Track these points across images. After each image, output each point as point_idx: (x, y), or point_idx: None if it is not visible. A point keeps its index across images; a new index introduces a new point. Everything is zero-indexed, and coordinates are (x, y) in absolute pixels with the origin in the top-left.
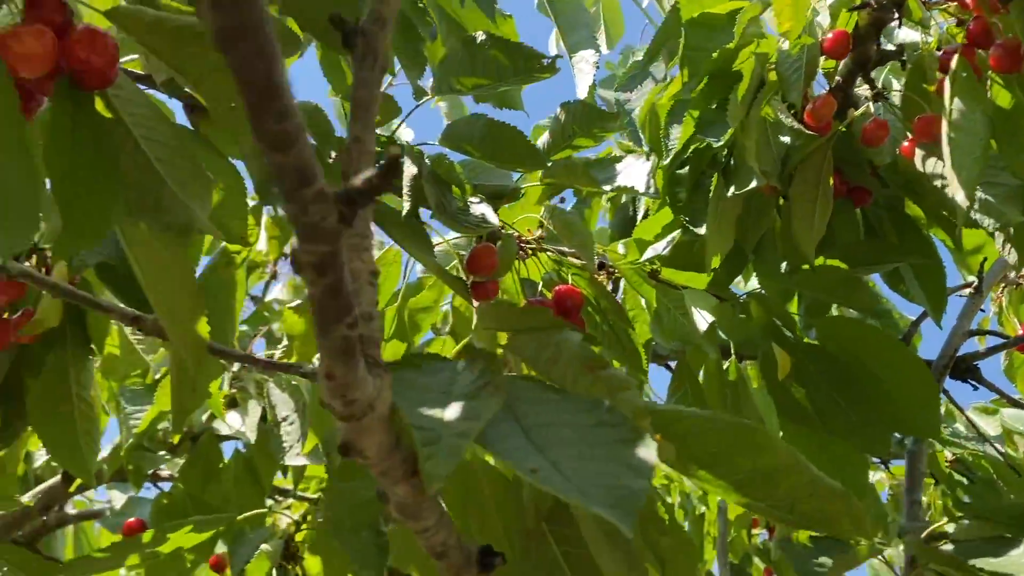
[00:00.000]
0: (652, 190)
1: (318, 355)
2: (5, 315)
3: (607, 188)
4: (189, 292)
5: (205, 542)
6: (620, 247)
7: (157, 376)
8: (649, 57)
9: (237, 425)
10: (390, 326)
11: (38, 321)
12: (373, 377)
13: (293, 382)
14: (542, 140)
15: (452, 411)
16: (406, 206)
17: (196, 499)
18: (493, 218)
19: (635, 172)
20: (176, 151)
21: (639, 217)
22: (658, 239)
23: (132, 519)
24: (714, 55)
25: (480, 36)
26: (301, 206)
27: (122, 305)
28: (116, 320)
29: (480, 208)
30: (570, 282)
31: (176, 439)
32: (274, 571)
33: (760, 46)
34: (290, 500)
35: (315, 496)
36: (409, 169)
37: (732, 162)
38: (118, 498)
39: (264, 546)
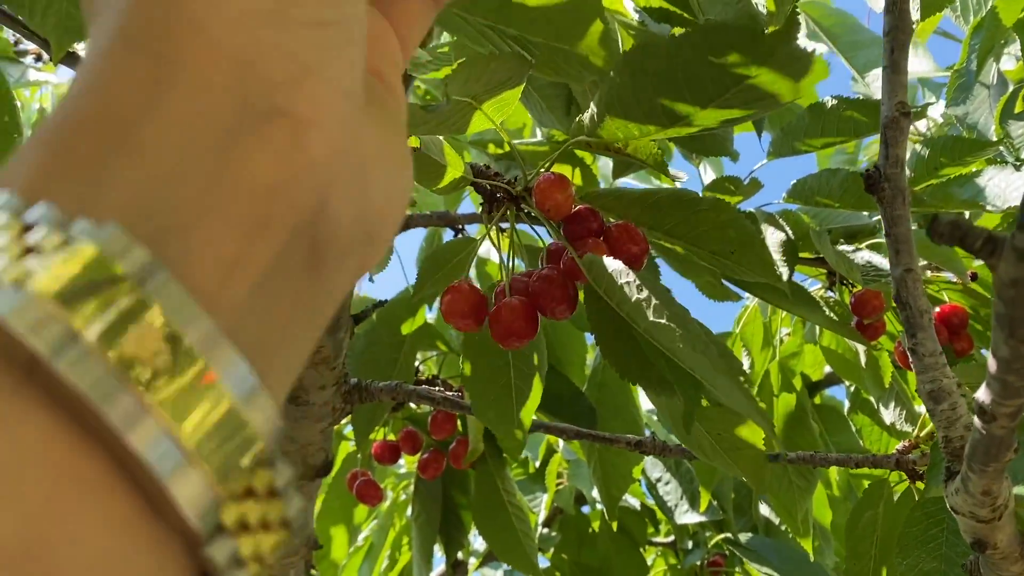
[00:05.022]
0: None
1: None
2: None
3: (993, 208)
4: None
5: None
6: None
7: (537, 464)
8: (979, 67)
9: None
10: (776, 380)
11: (474, 450)
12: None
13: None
14: None
15: None
16: (784, 272)
17: (578, 564)
18: (884, 262)
19: (1015, 187)
20: None
21: None
22: None
23: None
24: None
25: (830, 101)
26: (1018, 374)
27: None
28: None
29: (864, 255)
30: (946, 299)
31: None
32: None
33: None
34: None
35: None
36: (775, 235)
37: None
38: (490, 574)
39: None
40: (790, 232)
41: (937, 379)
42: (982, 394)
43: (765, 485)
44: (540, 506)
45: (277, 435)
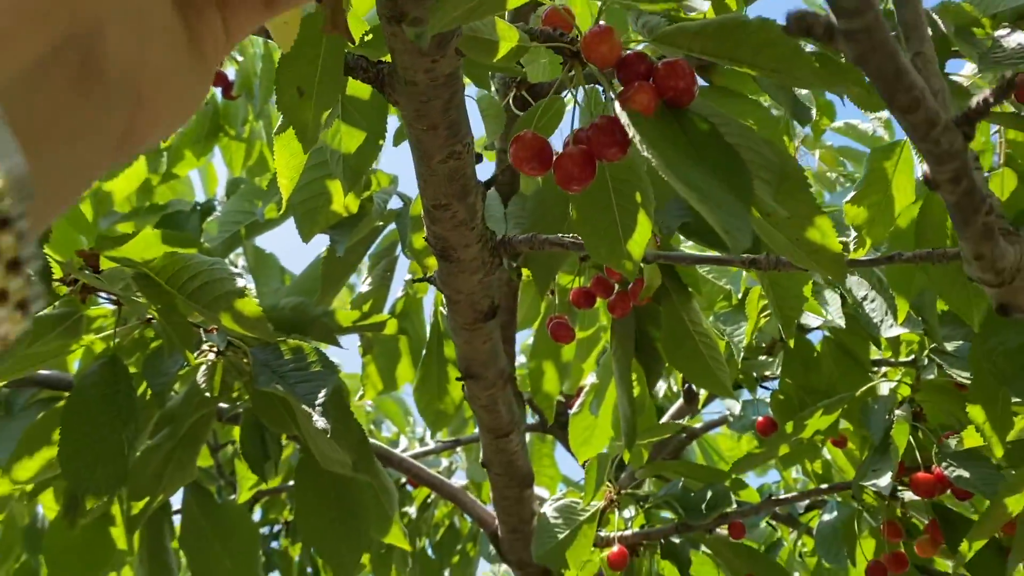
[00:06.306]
0: None
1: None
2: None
3: None
4: None
5: (834, 422)
6: None
7: (739, 296)
8: None
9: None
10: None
11: (648, 287)
12: (1010, 245)
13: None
14: None
15: None
16: None
17: (805, 388)
18: None
19: None
20: None
21: None
22: None
23: (760, 418)
24: None
25: None
26: (933, 142)
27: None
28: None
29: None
30: None
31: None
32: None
33: None
34: (884, 369)
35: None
36: None
37: None
38: (732, 405)
39: (898, 412)
40: (942, 27)
41: None
42: (923, 168)
43: (845, 280)
44: (742, 334)
45: (24, 210)
